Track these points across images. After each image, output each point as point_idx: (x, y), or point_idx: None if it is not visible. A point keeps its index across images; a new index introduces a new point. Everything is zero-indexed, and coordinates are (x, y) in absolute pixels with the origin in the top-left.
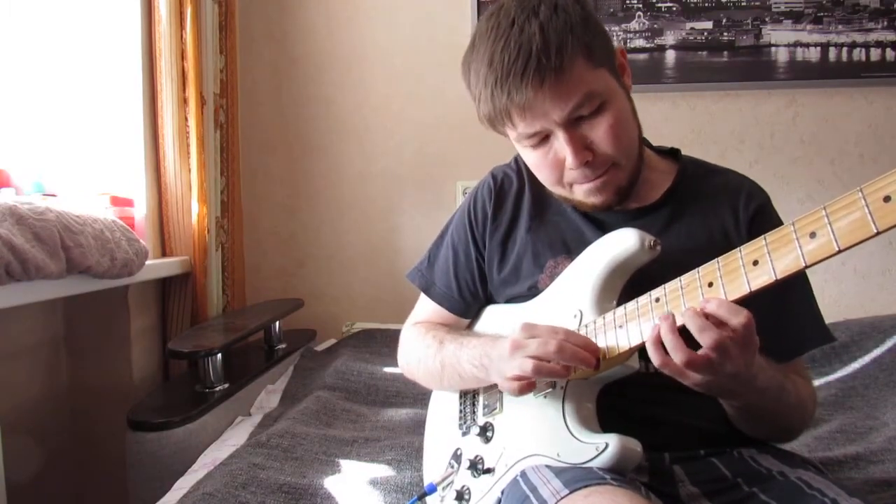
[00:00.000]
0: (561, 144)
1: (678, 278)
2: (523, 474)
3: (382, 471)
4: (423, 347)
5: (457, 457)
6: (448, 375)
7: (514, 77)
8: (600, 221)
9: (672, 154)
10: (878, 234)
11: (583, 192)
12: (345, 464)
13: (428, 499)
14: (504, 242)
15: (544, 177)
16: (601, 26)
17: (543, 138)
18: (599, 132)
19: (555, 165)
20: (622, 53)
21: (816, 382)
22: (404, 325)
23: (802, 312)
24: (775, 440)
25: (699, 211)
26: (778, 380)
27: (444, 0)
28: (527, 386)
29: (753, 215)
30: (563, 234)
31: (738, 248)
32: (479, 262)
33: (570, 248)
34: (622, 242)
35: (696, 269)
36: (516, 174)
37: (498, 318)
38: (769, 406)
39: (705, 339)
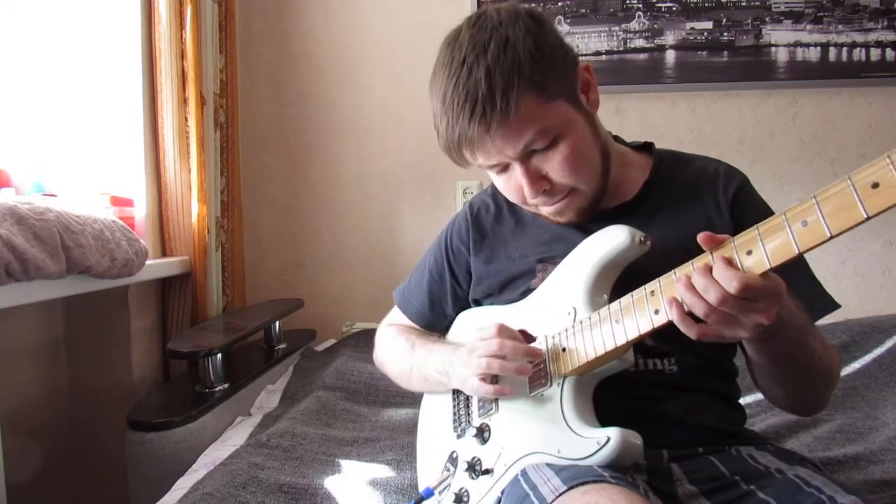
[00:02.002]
0: (518, 175)
1: (672, 271)
2: (524, 473)
3: (382, 471)
4: (398, 350)
5: (452, 459)
6: (416, 378)
7: (462, 121)
8: (583, 225)
9: (647, 148)
10: (868, 219)
11: (546, 213)
12: (345, 464)
13: (425, 503)
14: (491, 261)
15: (510, 198)
16: (559, 52)
17: (504, 167)
18: (554, 164)
19: (517, 190)
20: (587, 70)
21: None
22: (381, 324)
23: (804, 284)
24: (802, 399)
25: (680, 201)
26: (802, 317)
27: (444, 1)
28: (491, 383)
29: (733, 197)
30: (550, 241)
31: (731, 239)
32: (453, 286)
33: (559, 253)
34: (613, 239)
35: (691, 261)
36: (492, 198)
37: (493, 319)
38: (797, 346)
39: (727, 282)
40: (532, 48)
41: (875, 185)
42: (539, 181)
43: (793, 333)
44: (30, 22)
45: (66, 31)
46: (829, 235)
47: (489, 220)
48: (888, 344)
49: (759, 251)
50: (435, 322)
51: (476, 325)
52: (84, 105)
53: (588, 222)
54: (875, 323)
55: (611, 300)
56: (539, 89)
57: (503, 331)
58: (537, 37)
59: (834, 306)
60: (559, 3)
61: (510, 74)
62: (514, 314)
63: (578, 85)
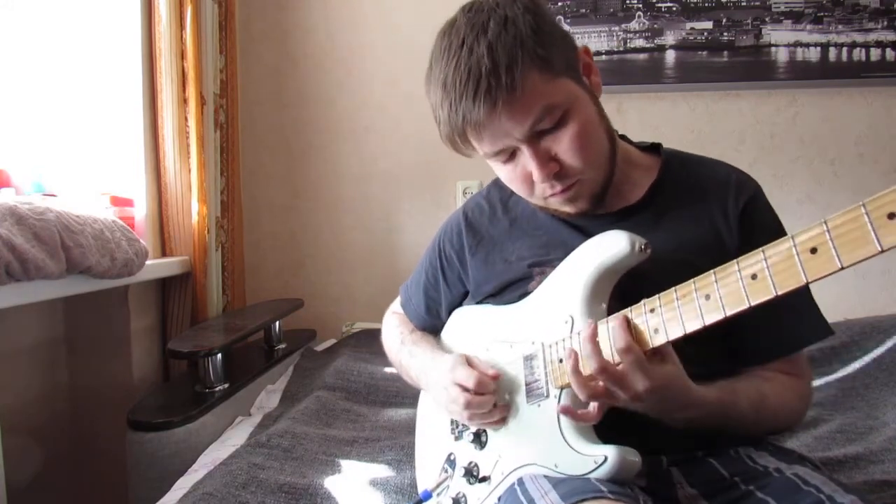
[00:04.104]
0: (526, 159)
1: (673, 289)
2: (521, 483)
3: (382, 471)
4: (392, 341)
5: (450, 461)
6: (404, 373)
7: (466, 101)
8: (583, 227)
9: (655, 149)
10: (882, 252)
11: (556, 203)
12: (345, 464)
13: None
14: (487, 264)
15: (517, 189)
16: (558, 31)
17: (511, 154)
18: (563, 144)
19: (524, 179)
20: (586, 52)
21: (816, 382)
22: (389, 308)
23: (800, 307)
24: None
25: (687, 207)
26: (721, 402)
27: (444, 1)
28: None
29: (744, 209)
30: (548, 245)
31: (735, 261)
32: (447, 293)
33: (556, 257)
34: (612, 246)
35: (692, 280)
36: (486, 199)
37: (488, 319)
38: (719, 422)
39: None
40: (533, 24)
41: (892, 216)
42: (549, 163)
43: (715, 417)
44: (30, 22)
45: (66, 31)
46: (839, 266)
47: (484, 222)
48: (888, 344)
49: (766, 277)
50: (432, 325)
51: (468, 330)
52: (84, 105)
53: (588, 224)
54: (875, 323)
55: (609, 306)
56: (543, 64)
57: (481, 385)
58: (536, 15)
59: (828, 333)
60: (559, 3)
61: (513, 49)
62: (509, 317)
63: (580, 66)
